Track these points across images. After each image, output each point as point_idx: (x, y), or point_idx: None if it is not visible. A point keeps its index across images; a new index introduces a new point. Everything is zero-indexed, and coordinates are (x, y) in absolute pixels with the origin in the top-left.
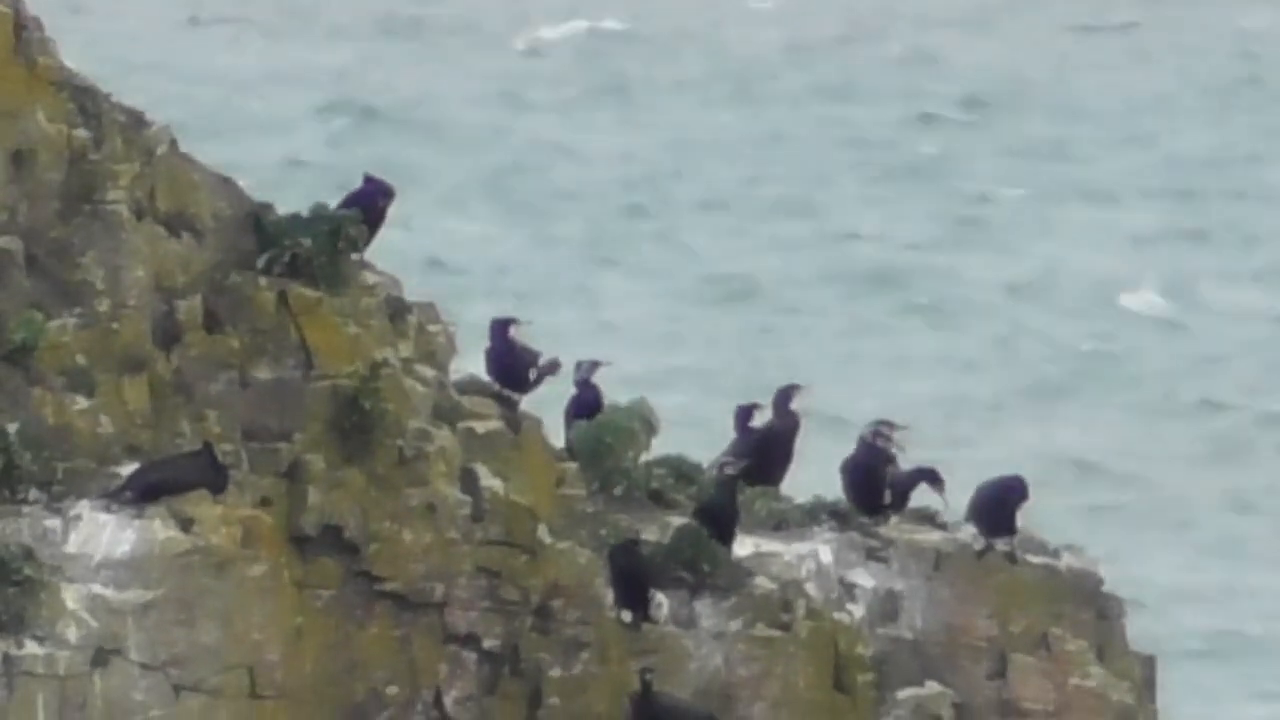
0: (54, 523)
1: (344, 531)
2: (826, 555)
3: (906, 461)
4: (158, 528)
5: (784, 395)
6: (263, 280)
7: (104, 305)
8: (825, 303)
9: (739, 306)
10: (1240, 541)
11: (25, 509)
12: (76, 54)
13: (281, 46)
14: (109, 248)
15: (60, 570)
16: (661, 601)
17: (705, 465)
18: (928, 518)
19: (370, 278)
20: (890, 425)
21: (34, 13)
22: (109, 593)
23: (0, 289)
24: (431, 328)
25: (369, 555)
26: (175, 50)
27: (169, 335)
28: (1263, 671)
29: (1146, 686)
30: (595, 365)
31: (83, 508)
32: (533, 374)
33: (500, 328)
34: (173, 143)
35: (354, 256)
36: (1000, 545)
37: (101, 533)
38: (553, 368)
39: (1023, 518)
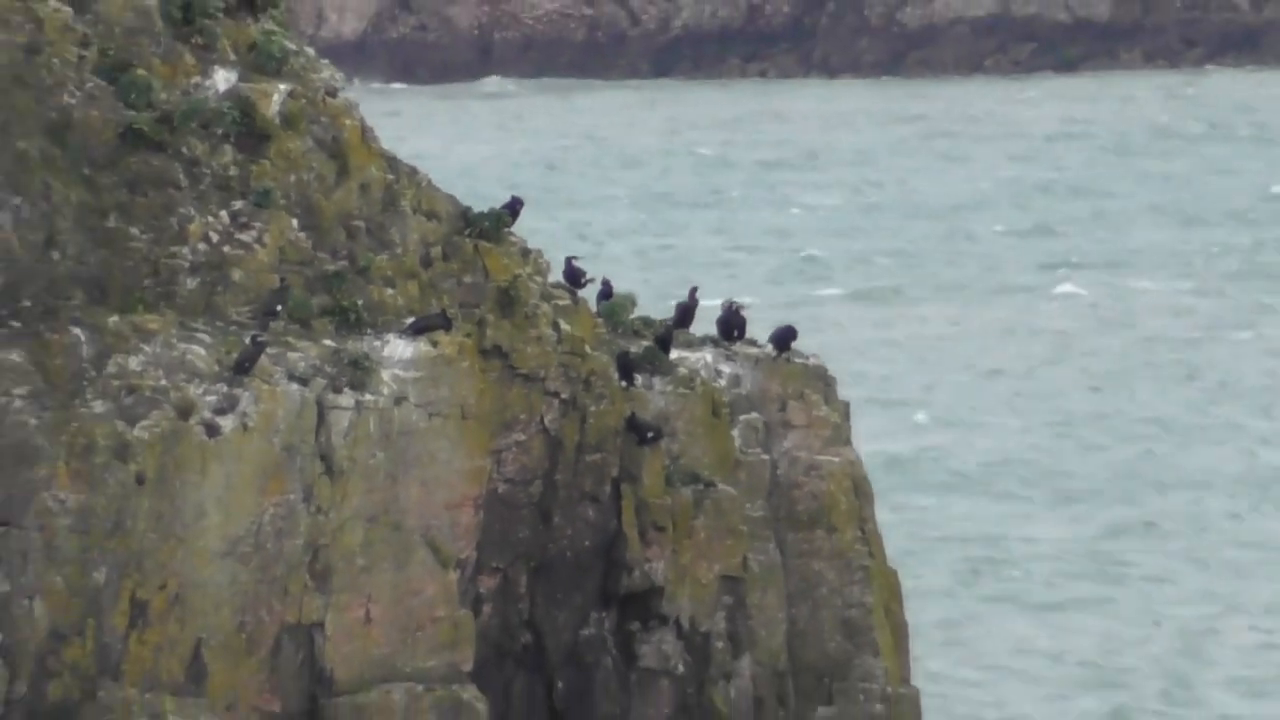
0: (376, 343)
1: (501, 347)
2: (709, 358)
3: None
4: (421, 344)
5: (691, 293)
6: (467, 239)
7: (405, 250)
8: None
9: None
10: None
11: (364, 336)
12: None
13: None
14: (402, 225)
15: (380, 363)
16: (638, 377)
17: (658, 319)
18: (752, 342)
19: (512, 237)
20: (739, 303)
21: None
22: (400, 372)
23: (351, 245)
24: (541, 261)
25: (513, 357)
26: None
27: (425, 262)
28: None
29: (845, 417)
30: (607, 281)
31: (389, 337)
32: (582, 280)
33: (568, 261)
34: (428, 179)
35: (506, 229)
36: (782, 354)
37: (397, 348)
38: (583, 277)
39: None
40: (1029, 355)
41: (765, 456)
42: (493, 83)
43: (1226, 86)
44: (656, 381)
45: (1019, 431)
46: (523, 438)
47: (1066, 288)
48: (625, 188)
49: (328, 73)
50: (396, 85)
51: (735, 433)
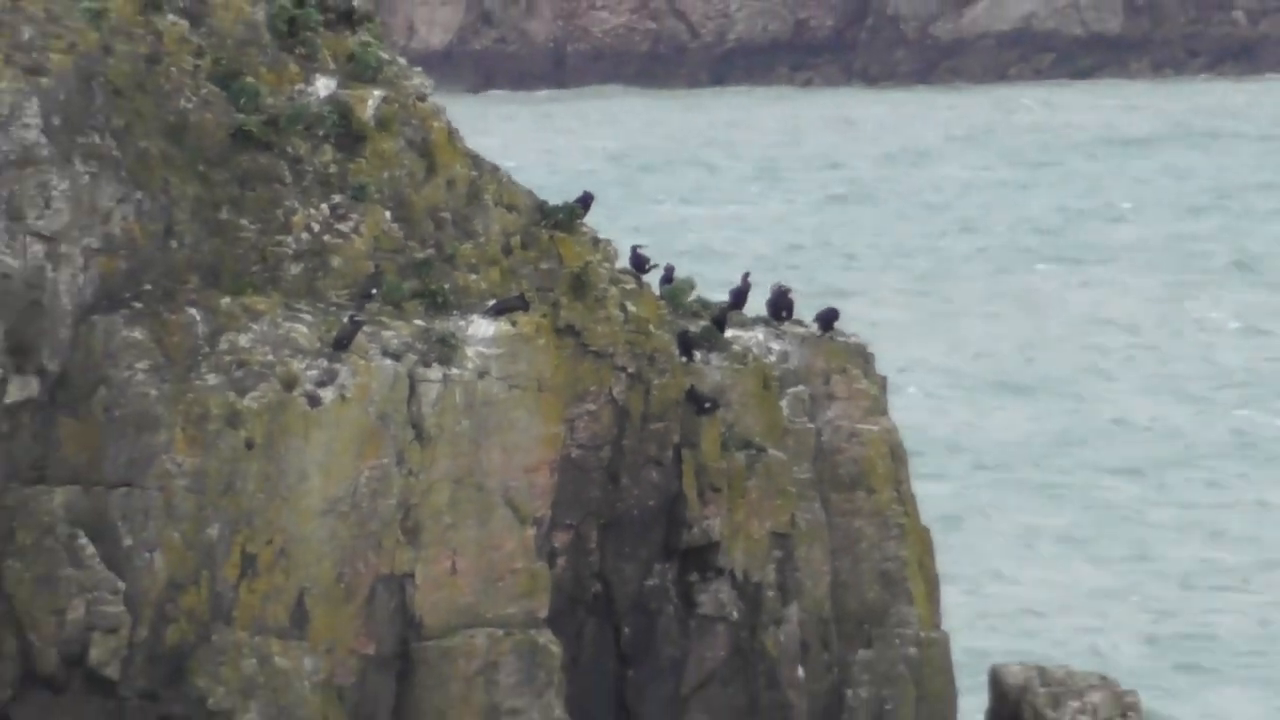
0: (462, 323)
1: (574, 326)
2: (761, 336)
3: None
4: (502, 324)
5: (743, 277)
6: (543, 230)
7: (487, 239)
8: None
9: None
10: None
11: (450, 317)
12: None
13: None
14: (485, 216)
15: (465, 341)
16: (697, 354)
17: (715, 302)
18: (799, 322)
19: (583, 228)
20: (787, 286)
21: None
22: (483, 349)
23: (439, 235)
24: (609, 249)
25: (585, 336)
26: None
27: (506, 250)
28: None
29: (883, 390)
30: (670, 267)
31: (473, 317)
32: (646, 266)
33: (633, 249)
34: (508, 175)
35: (578, 220)
36: (826, 333)
37: (480, 327)
38: (647, 263)
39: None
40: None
41: (811, 425)
42: (566, 90)
43: (1223, 94)
44: (713, 357)
45: None
46: (593, 408)
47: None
48: (689, 183)
49: (418, 80)
50: (479, 92)
51: (784, 404)
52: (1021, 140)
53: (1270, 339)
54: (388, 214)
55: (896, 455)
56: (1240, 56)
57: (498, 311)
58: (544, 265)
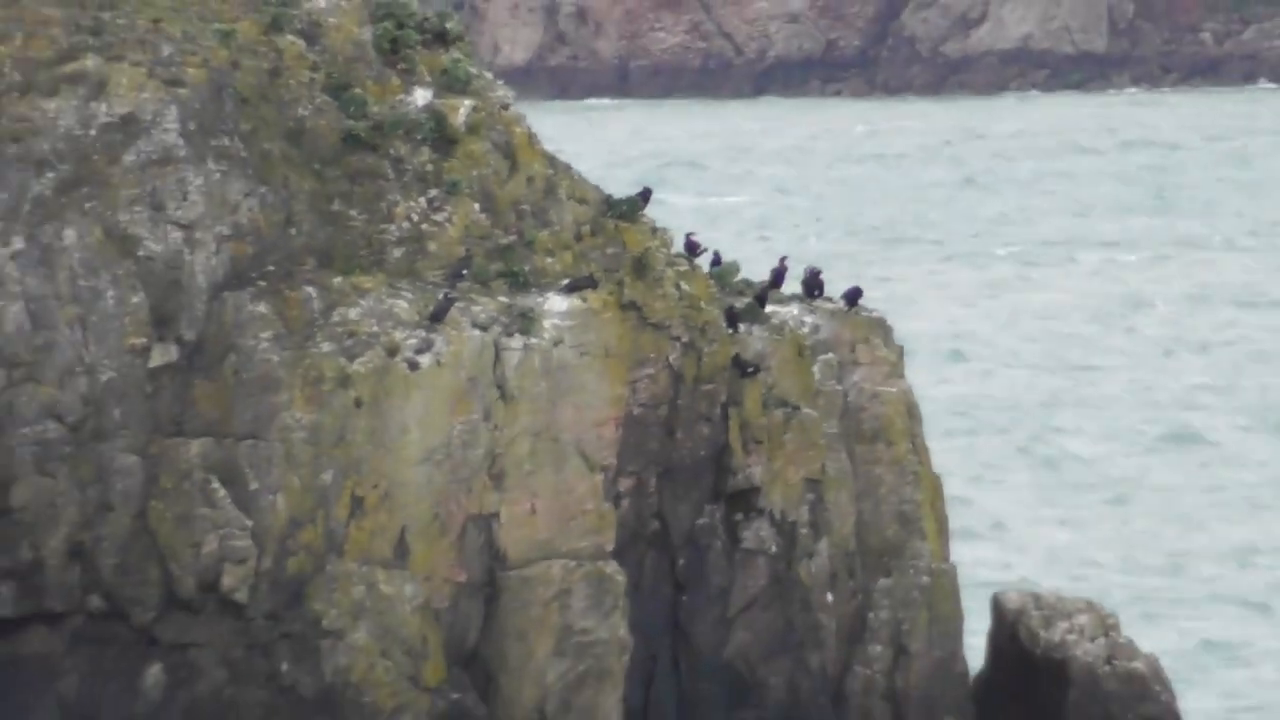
0: (540, 299)
1: (636, 302)
2: (796, 311)
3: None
4: (574, 300)
5: (780, 260)
6: (609, 220)
7: (561, 227)
8: None
9: None
10: None
11: (530, 294)
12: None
13: None
14: (559, 208)
15: (542, 315)
16: (741, 326)
17: (756, 281)
18: (828, 299)
19: (644, 218)
20: (818, 268)
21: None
22: (558, 321)
23: (520, 224)
24: (666, 236)
25: (645, 310)
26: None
27: (577, 237)
28: None
29: (900, 357)
30: (717, 252)
31: (549, 294)
32: (698, 251)
33: (687, 237)
34: (579, 173)
35: (639, 212)
36: (851, 308)
37: (556, 303)
38: (698, 249)
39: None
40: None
41: (838, 387)
42: (629, 100)
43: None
44: (755, 329)
45: None
46: (652, 372)
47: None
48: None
49: (502, 91)
50: (554, 101)
51: (815, 369)
52: (1005, 144)
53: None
54: (476, 206)
55: (912, 413)
56: (1207, 72)
57: (570, 289)
58: (610, 250)
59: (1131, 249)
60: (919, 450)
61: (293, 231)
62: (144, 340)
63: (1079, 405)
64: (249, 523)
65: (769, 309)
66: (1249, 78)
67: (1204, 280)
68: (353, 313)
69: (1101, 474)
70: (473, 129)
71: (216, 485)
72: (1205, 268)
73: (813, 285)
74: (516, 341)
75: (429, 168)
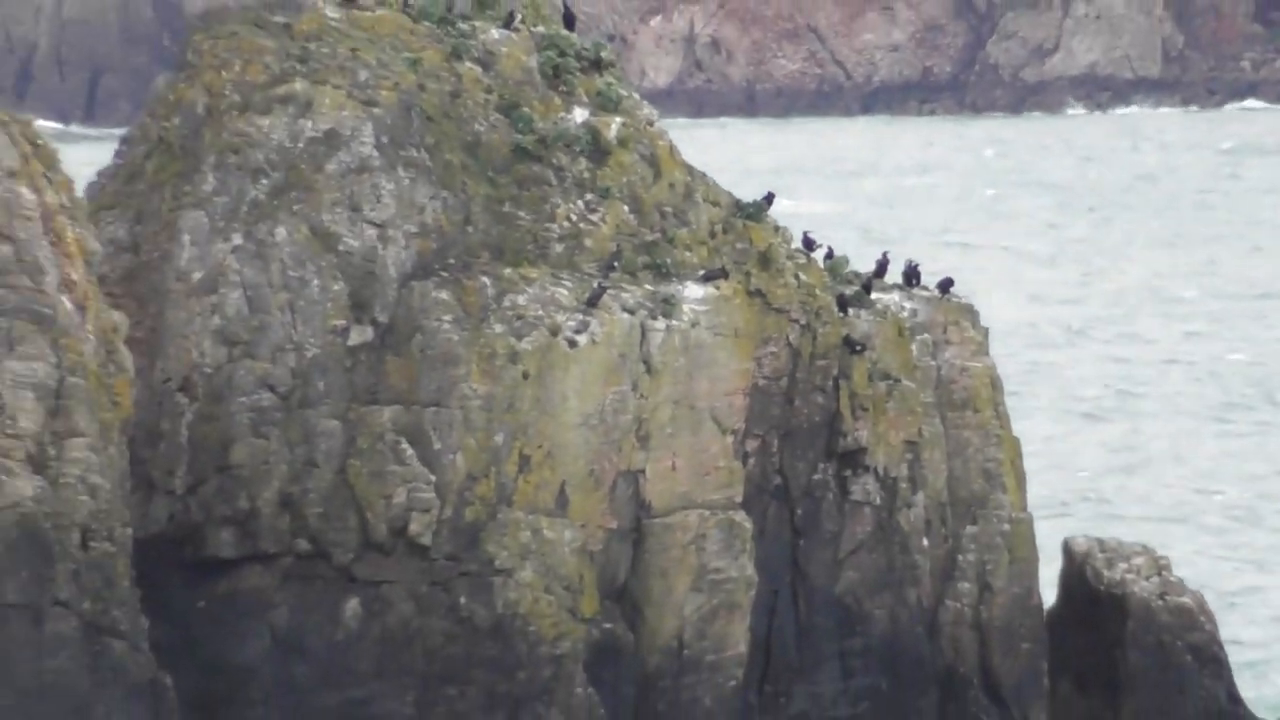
0: (680, 287)
1: (760, 290)
2: (897, 298)
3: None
4: (709, 288)
5: (883, 254)
6: (738, 220)
7: (697, 226)
8: None
9: None
10: None
11: (671, 283)
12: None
13: None
14: (696, 210)
15: (681, 301)
16: (850, 310)
17: (863, 273)
18: (925, 287)
19: (768, 218)
20: (915, 261)
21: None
22: (695, 306)
23: (663, 223)
24: (787, 233)
25: (769, 297)
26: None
27: (711, 235)
28: None
29: (985, 337)
30: (830, 247)
31: (688, 283)
32: (814, 246)
33: (805, 234)
34: (713, 180)
35: (764, 213)
36: (944, 296)
37: (693, 290)
38: (814, 245)
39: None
40: None
41: (933, 363)
42: (755, 119)
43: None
44: (862, 313)
45: None
46: (774, 349)
47: None
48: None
49: (647, 110)
50: (692, 118)
51: (913, 347)
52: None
53: None
54: (625, 208)
55: (995, 385)
56: (1246, 93)
57: (705, 279)
58: (739, 245)
59: None
60: (1000, 416)
61: (470, 230)
62: (343, 322)
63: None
64: (432, 478)
65: (874, 296)
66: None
67: None
68: (521, 299)
69: None
70: (622, 142)
71: (405, 446)
72: None
73: (911, 276)
74: (660, 323)
75: (585, 175)
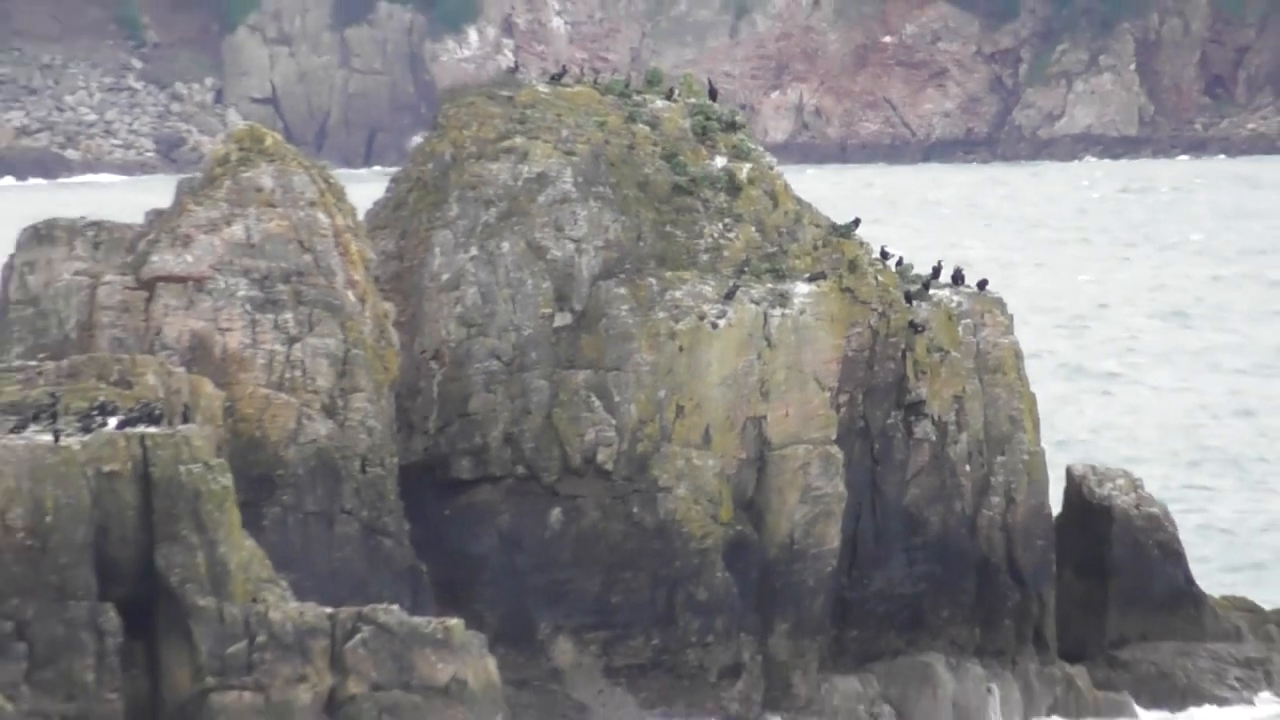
0: (791, 285)
1: (850, 288)
2: (947, 293)
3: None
4: (813, 286)
5: (938, 262)
6: (834, 237)
7: (804, 242)
8: None
9: None
10: None
11: (785, 281)
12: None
13: None
14: (803, 230)
15: (792, 295)
16: (914, 302)
17: (923, 274)
18: (967, 285)
19: (856, 236)
20: (961, 268)
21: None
22: (802, 298)
23: (780, 239)
24: (870, 247)
25: (855, 292)
26: None
27: (814, 248)
28: None
29: (1011, 320)
30: (901, 256)
31: (797, 282)
32: (889, 256)
33: (881, 248)
34: (816, 208)
35: (853, 232)
36: (981, 291)
37: (801, 287)
38: (889, 256)
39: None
40: None
41: (973, 339)
42: (847, 165)
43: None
44: (923, 304)
45: None
46: (859, 330)
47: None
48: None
49: (768, 159)
50: (799, 165)
51: (959, 328)
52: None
53: None
54: (753, 229)
55: (1019, 355)
56: (1198, 149)
57: (810, 280)
58: (834, 256)
59: None
60: (1022, 378)
61: (641, 244)
62: (550, 310)
63: None
64: (614, 421)
65: (931, 292)
66: (1225, 151)
67: None
68: (677, 294)
69: None
70: (751, 181)
71: (594, 399)
72: None
73: (958, 278)
74: (777, 312)
75: (724, 205)
